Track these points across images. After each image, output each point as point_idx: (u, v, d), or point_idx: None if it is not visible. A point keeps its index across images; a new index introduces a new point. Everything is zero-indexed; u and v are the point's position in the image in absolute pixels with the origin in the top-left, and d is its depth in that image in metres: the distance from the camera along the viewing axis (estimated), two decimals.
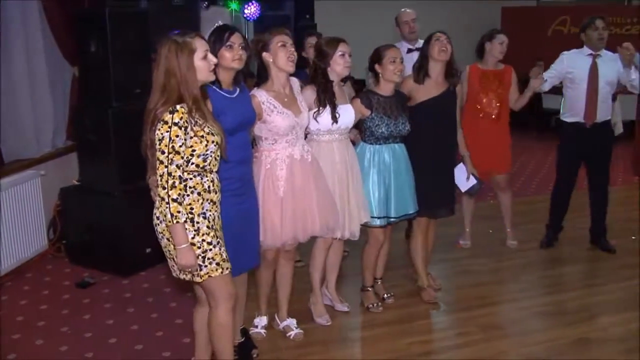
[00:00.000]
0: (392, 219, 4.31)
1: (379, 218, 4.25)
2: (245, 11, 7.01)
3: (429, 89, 4.42)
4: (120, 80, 4.91)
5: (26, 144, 5.44)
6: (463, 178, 4.66)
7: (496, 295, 4.82)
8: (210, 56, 3.03)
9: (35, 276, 5.14)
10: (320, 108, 3.97)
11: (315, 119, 3.96)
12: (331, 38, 4.13)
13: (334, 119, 3.98)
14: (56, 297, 4.78)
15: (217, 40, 3.33)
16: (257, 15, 7.09)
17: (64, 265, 5.35)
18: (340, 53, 4.01)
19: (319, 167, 3.93)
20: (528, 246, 5.75)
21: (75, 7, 5.36)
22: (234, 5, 7.03)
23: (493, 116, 5.35)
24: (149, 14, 5.19)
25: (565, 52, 5.48)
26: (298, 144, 3.82)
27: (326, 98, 3.98)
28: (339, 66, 4.02)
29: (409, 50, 5.55)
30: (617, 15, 10.94)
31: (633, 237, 5.89)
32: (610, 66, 5.26)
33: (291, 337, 4.12)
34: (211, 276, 3.05)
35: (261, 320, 4.18)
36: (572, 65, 5.36)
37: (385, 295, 4.66)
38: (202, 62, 2.98)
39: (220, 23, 3.50)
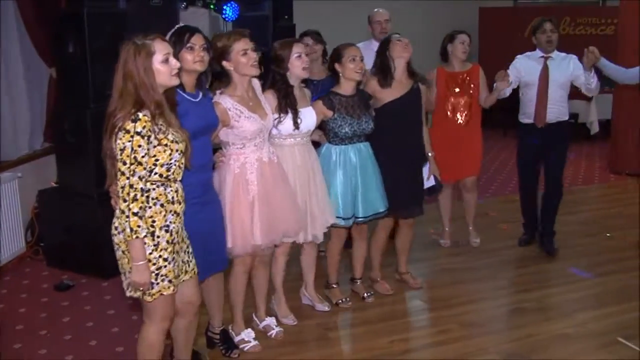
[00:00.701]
0: (359, 219, 4.31)
1: (345, 219, 4.24)
2: (224, 12, 6.99)
3: (394, 90, 4.42)
4: (98, 82, 4.87)
5: (3, 146, 5.39)
6: (424, 177, 4.66)
7: (475, 292, 4.85)
8: (173, 60, 2.91)
9: (13, 279, 5.09)
10: (282, 115, 3.91)
11: (276, 126, 3.90)
12: (284, 40, 4.05)
13: (296, 125, 3.94)
14: (35, 300, 4.74)
15: (177, 42, 3.23)
16: (236, 16, 7.08)
17: (42, 268, 5.30)
18: (296, 55, 3.92)
19: (283, 169, 3.91)
20: (505, 244, 5.80)
21: (51, 7, 5.33)
22: (212, 6, 7.01)
23: (462, 119, 5.37)
24: (128, 15, 5.17)
25: (518, 56, 5.52)
26: (265, 147, 3.78)
27: (287, 104, 3.92)
28: (296, 68, 3.94)
29: None
30: (592, 16, 11.07)
31: (608, 234, 5.96)
32: (562, 68, 5.31)
33: (272, 336, 4.11)
34: (163, 294, 2.92)
35: (249, 334, 4.03)
36: (525, 69, 5.40)
37: (366, 294, 4.67)
38: (163, 66, 2.86)
39: (181, 24, 3.37)
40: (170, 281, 2.93)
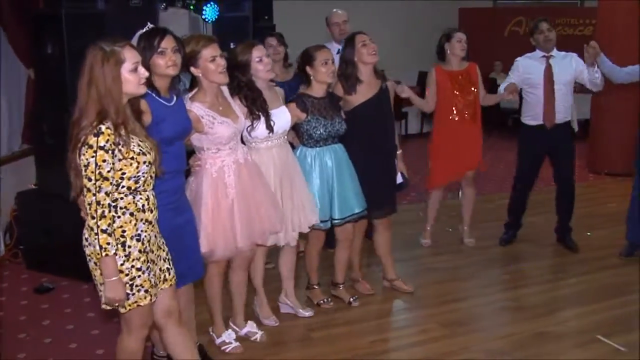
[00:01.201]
0: (336, 221, 4.30)
1: (323, 221, 4.23)
2: (204, 12, 6.97)
3: (363, 92, 4.40)
4: (77, 83, 4.82)
5: None
6: None
7: (457, 292, 4.88)
8: (142, 69, 2.80)
9: None
10: (254, 121, 3.86)
11: (250, 133, 3.86)
12: (244, 45, 3.96)
13: (270, 129, 3.90)
14: (14, 303, 4.69)
15: (147, 47, 3.12)
16: (216, 17, 7.05)
17: (22, 271, 5.26)
18: (257, 59, 3.86)
19: (259, 168, 3.87)
20: (488, 243, 5.83)
21: (29, 7, 5.28)
22: (192, 7, 6.98)
23: (466, 117, 5.39)
24: (107, 15, 5.12)
25: (519, 58, 5.56)
26: (239, 148, 3.75)
27: (258, 109, 3.86)
28: (260, 72, 3.88)
29: (339, 51, 5.49)
30: (570, 17, 11.17)
31: (588, 233, 6.01)
32: (564, 66, 5.36)
33: (257, 340, 4.09)
34: (140, 305, 2.85)
35: (230, 335, 4.01)
36: (527, 70, 5.44)
37: (351, 299, 4.65)
38: (131, 75, 2.75)
39: (149, 26, 3.24)
40: (146, 291, 2.85)
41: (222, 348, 3.94)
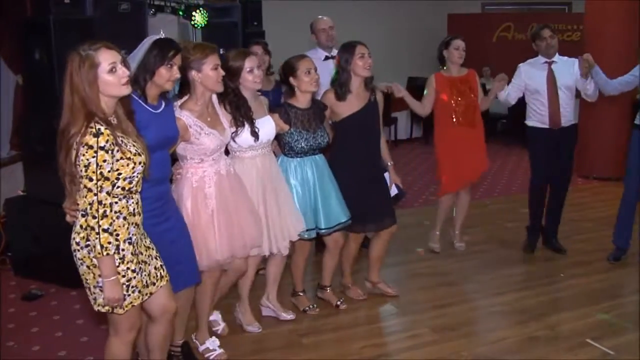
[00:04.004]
0: (322, 230, 4.30)
1: (307, 230, 4.23)
2: (193, 19, 6.96)
3: (351, 104, 4.40)
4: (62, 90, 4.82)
5: None
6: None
7: (448, 297, 4.87)
8: (121, 68, 2.76)
9: None
10: (239, 128, 3.85)
11: (234, 140, 3.86)
12: (237, 52, 3.98)
13: (255, 136, 3.90)
14: (2, 311, 4.65)
15: (159, 55, 3.16)
16: (205, 23, 7.04)
17: (10, 278, 5.22)
18: (248, 69, 3.87)
19: (242, 180, 3.86)
20: (478, 248, 5.85)
21: (17, 13, 5.26)
22: (181, 13, 6.97)
23: (472, 122, 5.44)
24: (95, 21, 5.11)
25: (522, 64, 5.60)
26: (222, 160, 3.74)
27: (242, 116, 3.86)
28: (248, 82, 3.90)
29: (326, 58, 5.50)
30: (558, 22, 11.23)
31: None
32: (566, 71, 5.39)
33: (218, 332, 4.15)
34: (134, 305, 2.89)
35: (214, 342, 3.98)
36: (529, 76, 5.48)
37: (339, 302, 4.66)
38: (110, 76, 2.73)
39: (162, 34, 3.30)
40: (139, 291, 2.90)
41: (206, 355, 3.92)
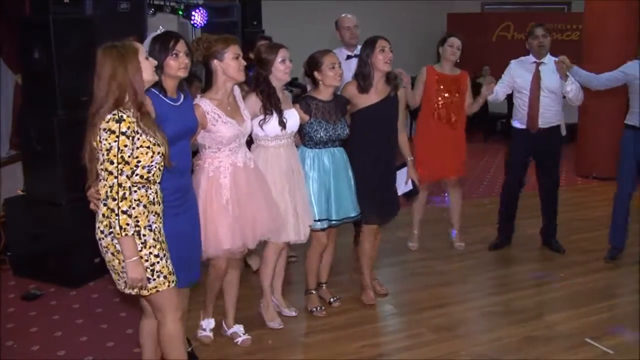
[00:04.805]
0: (333, 221, 4.33)
1: (320, 220, 4.27)
2: (192, 18, 6.96)
3: (370, 96, 4.44)
4: (65, 88, 4.83)
5: None
6: (402, 181, 4.70)
7: (445, 296, 4.88)
8: (150, 58, 3.00)
9: None
10: (267, 116, 3.98)
11: (261, 127, 3.97)
12: (271, 45, 4.16)
13: (282, 125, 4.01)
14: (1, 311, 4.65)
15: (162, 48, 3.27)
16: (205, 22, 7.05)
17: (9, 277, 5.22)
18: (280, 59, 4.02)
19: (262, 174, 3.94)
20: (475, 247, 5.85)
21: (16, 13, 5.26)
22: (180, 12, 6.98)
23: (450, 121, 5.44)
24: (95, 21, 5.12)
25: (513, 61, 5.61)
26: (241, 152, 3.81)
27: (272, 105, 4.00)
28: (280, 72, 4.04)
29: (348, 57, 5.52)
30: (557, 22, 11.26)
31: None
32: (553, 73, 5.37)
33: (239, 343, 4.11)
34: (159, 290, 2.98)
35: (209, 323, 4.15)
36: (517, 73, 5.50)
37: (332, 299, 4.68)
38: (146, 62, 2.94)
39: (161, 29, 3.41)
40: (165, 277, 2.98)
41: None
